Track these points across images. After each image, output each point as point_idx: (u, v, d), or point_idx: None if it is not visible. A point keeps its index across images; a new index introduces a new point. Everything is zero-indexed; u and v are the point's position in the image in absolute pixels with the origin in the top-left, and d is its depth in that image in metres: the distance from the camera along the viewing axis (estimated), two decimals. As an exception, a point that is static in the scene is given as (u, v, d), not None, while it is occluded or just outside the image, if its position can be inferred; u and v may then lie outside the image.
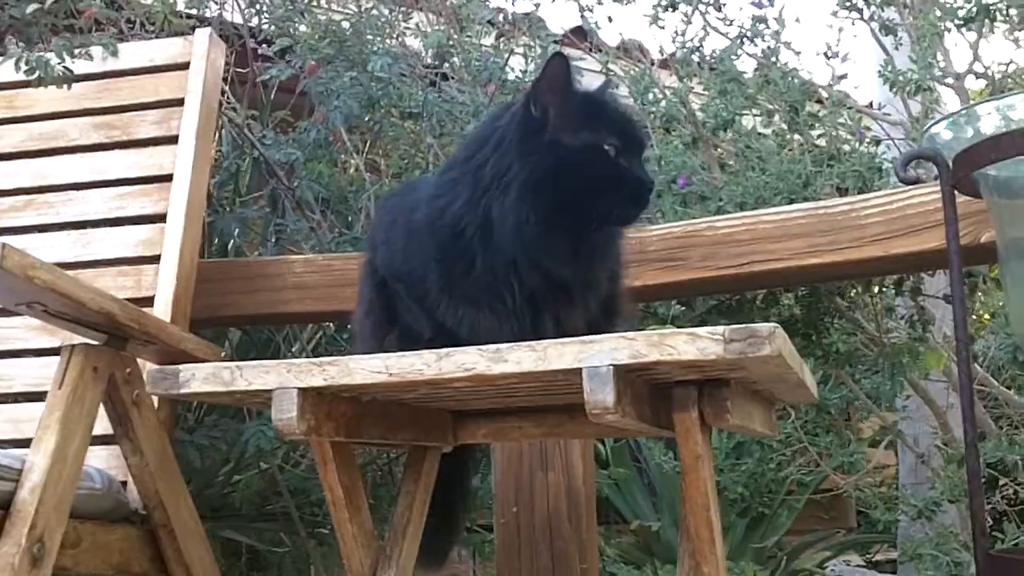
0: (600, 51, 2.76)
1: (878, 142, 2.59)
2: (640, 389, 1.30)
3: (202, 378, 1.37)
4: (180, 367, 1.37)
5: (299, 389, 1.33)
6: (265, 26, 2.66)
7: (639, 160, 1.46)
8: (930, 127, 1.77)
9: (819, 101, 2.54)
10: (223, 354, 1.99)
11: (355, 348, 1.71)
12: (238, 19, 2.76)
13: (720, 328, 1.20)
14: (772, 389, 1.56)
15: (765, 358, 1.18)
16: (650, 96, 2.46)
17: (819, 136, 2.39)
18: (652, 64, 2.76)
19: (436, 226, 1.44)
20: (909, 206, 1.96)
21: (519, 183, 1.39)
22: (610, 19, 2.72)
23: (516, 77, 2.59)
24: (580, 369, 1.22)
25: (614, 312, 1.61)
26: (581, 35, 2.92)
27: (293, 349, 2.67)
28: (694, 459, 1.37)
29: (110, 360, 1.60)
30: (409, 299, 1.52)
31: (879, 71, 2.25)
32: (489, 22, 2.60)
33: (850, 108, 2.46)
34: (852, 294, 2.42)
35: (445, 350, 1.29)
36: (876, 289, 2.42)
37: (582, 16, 2.65)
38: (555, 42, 2.96)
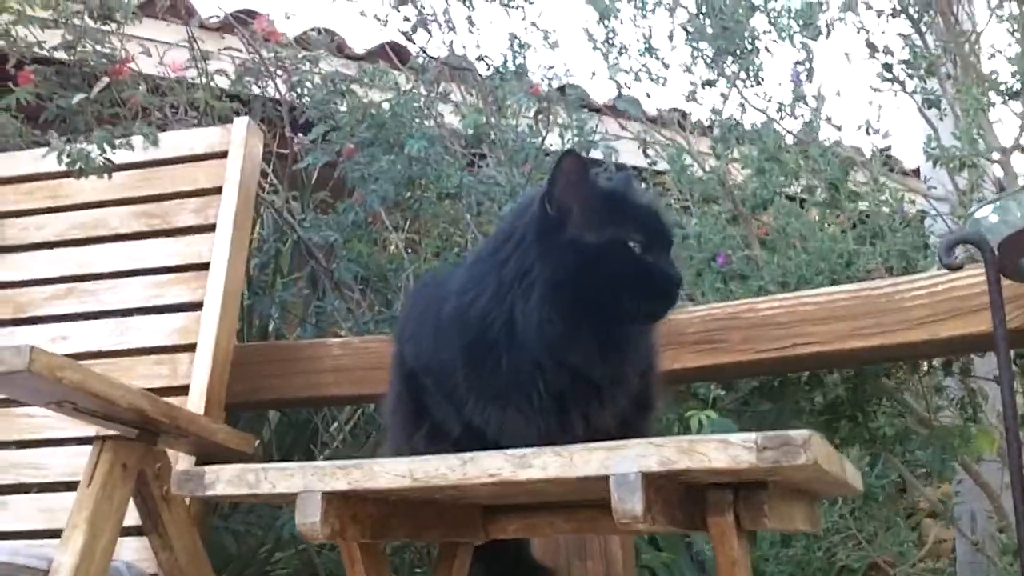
0: (638, 121, 2.76)
1: (923, 217, 2.55)
2: (671, 492, 1.26)
3: (227, 480, 1.35)
4: (205, 469, 1.35)
5: (323, 493, 1.31)
6: (306, 109, 2.68)
7: (667, 255, 1.44)
8: (975, 211, 1.73)
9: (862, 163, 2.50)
10: (257, 443, 1.98)
11: (385, 440, 1.69)
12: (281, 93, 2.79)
13: (753, 436, 1.16)
14: (813, 487, 1.51)
15: (800, 466, 1.14)
16: (688, 174, 2.43)
17: (861, 213, 2.36)
18: (691, 132, 2.75)
19: (463, 322, 1.43)
20: (955, 288, 1.91)
21: (541, 283, 1.37)
22: (648, 95, 2.71)
23: (553, 154, 2.58)
24: (607, 476, 1.19)
25: (647, 407, 1.58)
26: (617, 110, 2.92)
27: (331, 430, 2.66)
28: (730, 564, 1.32)
29: (140, 456, 1.60)
30: (438, 394, 1.50)
31: (923, 148, 2.22)
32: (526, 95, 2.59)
33: (893, 184, 2.41)
34: (899, 374, 2.36)
35: (469, 455, 1.26)
36: (924, 369, 2.36)
37: (619, 94, 2.64)
38: (592, 109, 2.98)
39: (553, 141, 2.66)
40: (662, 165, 2.70)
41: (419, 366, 1.53)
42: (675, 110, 2.95)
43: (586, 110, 2.73)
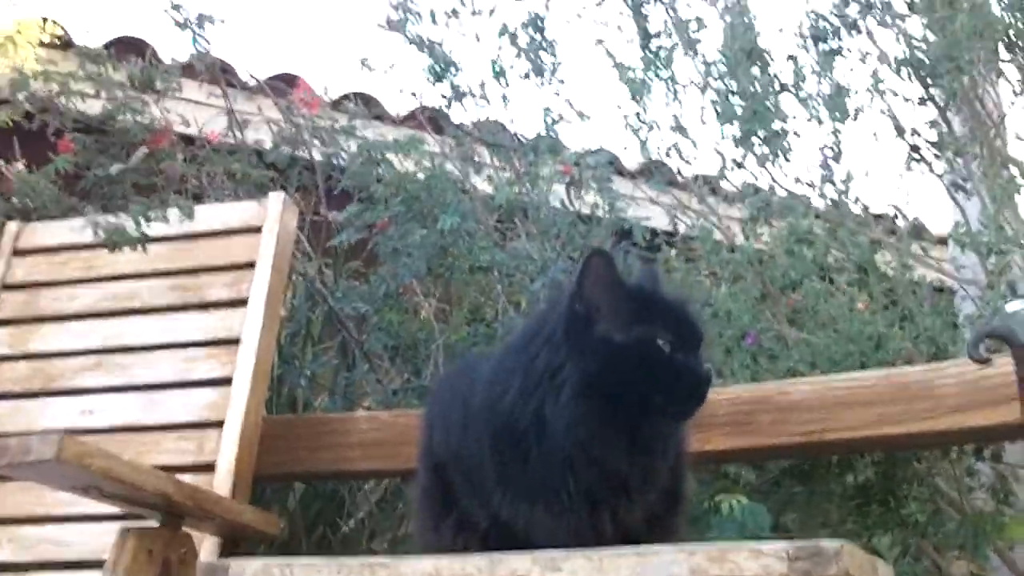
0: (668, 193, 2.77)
1: (952, 296, 2.54)
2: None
3: (252, 575, 1.35)
4: (230, 563, 1.35)
5: (350, 591, 1.30)
6: (341, 178, 2.70)
7: (696, 353, 1.43)
8: (1004, 305, 1.72)
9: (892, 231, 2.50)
10: (282, 525, 1.98)
11: (413, 524, 1.69)
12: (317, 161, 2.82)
13: (783, 545, 1.15)
14: (845, 587, 1.49)
15: (832, 576, 1.13)
16: (719, 254, 2.43)
17: (891, 294, 2.35)
18: (721, 202, 2.75)
19: (491, 415, 1.42)
20: (985, 377, 1.89)
21: (572, 382, 1.37)
22: (679, 171, 2.72)
23: (583, 227, 2.59)
24: (636, 583, 1.18)
25: (677, 501, 1.56)
26: (649, 173, 2.92)
27: (357, 501, 2.65)
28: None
29: (165, 542, 1.60)
30: (466, 485, 1.50)
31: (951, 234, 2.21)
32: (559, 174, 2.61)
33: (922, 269, 2.41)
34: (930, 458, 2.33)
35: (498, 555, 1.26)
36: (955, 453, 2.34)
37: (651, 173, 2.65)
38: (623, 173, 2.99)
39: (584, 210, 2.67)
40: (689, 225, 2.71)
41: (447, 455, 1.53)
42: (707, 181, 2.95)
43: (617, 174, 2.75)
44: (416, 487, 1.65)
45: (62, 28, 3.56)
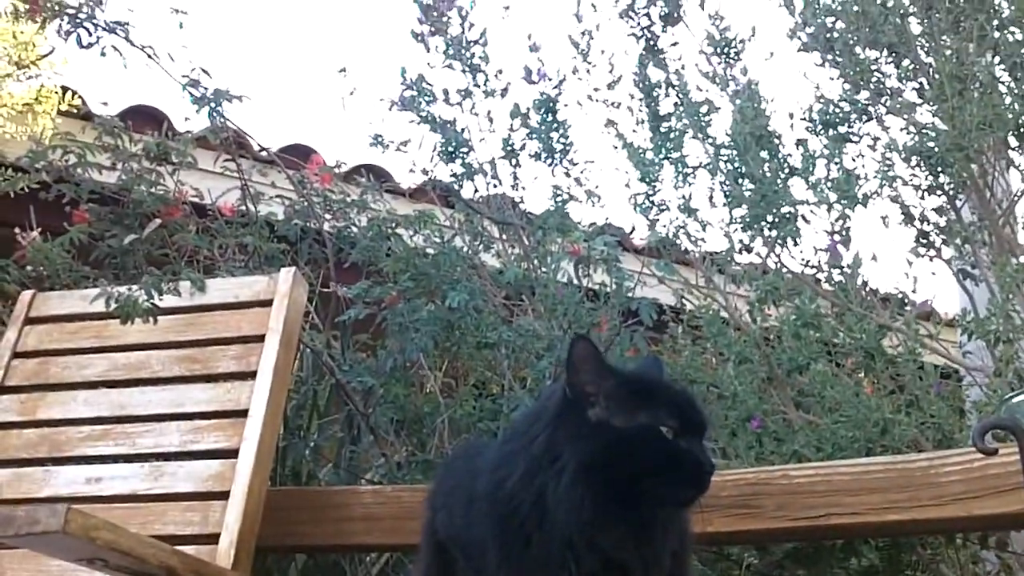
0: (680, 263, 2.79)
1: (959, 381, 2.55)
2: None
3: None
4: (231, 640, 1.36)
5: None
6: (352, 251, 2.73)
7: (699, 441, 1.45)
8: (1010, 397, 1.73)
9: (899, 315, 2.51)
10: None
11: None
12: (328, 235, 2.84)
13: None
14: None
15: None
16: (725, 337, 2.45)
17: (898, 379, 2.35)
18: (729, 283, 2.76)
19: (494, 499, 1.44)
20: (990, 466, 1.89)
21: (571, 466, 1.38)
22: (686, 251, 2.75)
23: (590, 308, 2.61)
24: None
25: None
26: (657, 252, 2.94)
27: (358, 574, 2.64)
28: None
29: (167, 615, 1.60)
30: (468, 567, 1.50)
31: (958, 321, 2.22)
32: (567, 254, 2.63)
33: (929, 357, 2.42)
34: (935, 544, 2.32)
35: (498, 639, 1.26)
36: (960, 541, 2.33)
37: (659, 246, 2.68)
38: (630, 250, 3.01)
39: (592, 287, 2.69)
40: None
41: (450, 538, 1.54)
42: (714, 261, 2.97)
43: (624, 252, 2.78)
44: (418, 565, 1.65)
45: (80, 98, 3.63)
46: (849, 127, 2.58)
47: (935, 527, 2.00)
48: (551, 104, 2.75)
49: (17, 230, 2.84)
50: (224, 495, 2.04)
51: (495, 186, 2.77)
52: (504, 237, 2.85)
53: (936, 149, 2.35)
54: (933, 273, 2.63)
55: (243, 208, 2.83)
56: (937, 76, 2.40)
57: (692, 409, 1.46)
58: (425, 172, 2.78)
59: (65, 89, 3.64)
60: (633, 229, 2.86)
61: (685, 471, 1.42)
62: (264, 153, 3.15)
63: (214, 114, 2.57)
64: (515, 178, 2.77)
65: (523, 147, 2.74)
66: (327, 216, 2.84)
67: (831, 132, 2.61)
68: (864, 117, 2.66)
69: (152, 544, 1.55)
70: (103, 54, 2.60)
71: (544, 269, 2.61)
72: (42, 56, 3.60)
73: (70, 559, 1.56)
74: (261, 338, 2.24)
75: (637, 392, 1.45)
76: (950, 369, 2.66)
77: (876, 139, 2.57)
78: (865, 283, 2.51)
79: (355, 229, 2.80)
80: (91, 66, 4.11)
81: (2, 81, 3.63)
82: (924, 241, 2.58)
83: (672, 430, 1.42)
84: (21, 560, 2.05)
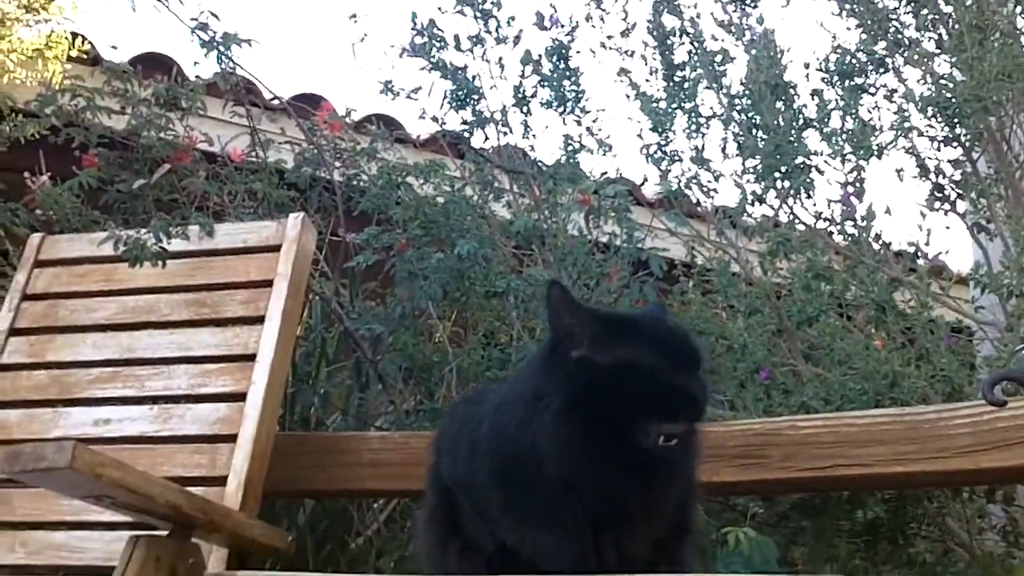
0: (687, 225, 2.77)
1: (970, 337, 2.53)
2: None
3: (256, 590, 1.36)
4: (236, 575, 1.36)
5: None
6: (361, 200, 2.72)
7: (691, 374, 1.43)
8: (1020, 350, 1.72)
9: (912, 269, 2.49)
10: (291, 539, 1.99)
11: (418, 548, 1.69)
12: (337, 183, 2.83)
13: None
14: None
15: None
16: (735, 287, 2.43)
17: (908, 333, 2.34)
18: (741, 235, 2.74)
19: (496, 444, 1.44)
20: (1000, 419, 1.88)
21: (555, 406, 1.39)
22: (699, 203, 2.73)
23: (600, 259, 2.59)
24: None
25: (685, 531, 1.56)
26: (668, 204, 2.93)
27: (366, 520, 2.65)
28: None
29: (173, 551, 1.61)
30: (472, 511, 1.50)
31: (970, 275, 2.21)
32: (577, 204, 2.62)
33: (940, 310, 2.40)
34: (942, 498, 2.32)
35: (500, 578, 1.27)
36: (966, 495, 2.32)
37: (671, 205, 2.65)
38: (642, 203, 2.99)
39: (603, 239, 2.67)
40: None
41: (454, 482, 1.54)
42: (727, 214, 2.95)
43: (636, 204, 2.75)
44: (424, 510, 1.66)
45: (90, 44, 3.61)
46: (865, 78, 2.54)
47: (942, 479, 2.00)
48: (563, 51, 2.71)
49: (27, 175, 2.84)
50: (232, 438, 2.05)
51: (505, 134, 2.74)
52: (515, 188, 2.83)
53: (953, 100, 2.31)
54: (947, 227, 2.60)
55: (253, 156, 2.82)
56: (957, 26, 2.36)
57: (681, 343, 1.46)
58: (435, 119, 2.76)
59: (75, 35, 3.62)
60: (644, 180, 2.83)
61: (671, 403, 1.40)
62: (275, 101, 3.14)
63: (222, 58, 2.55)
64: (526, 127, 2.74)
65: (534, 95, 2.71)
66: (337, 164, 2.83)
67: (847, 83, 2.57)
68: (881, 69, 2.62)
69: (158, 483, 1.56)
70: (112, -3, 2.59)
71: (553, 219, 2.59)
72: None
73: (77, 496, 1.57)
74: (269, 283, 2.24)
75: (621, 329, 1.45)
76: (962, 325, 2.64)
77: (893, 91, 2.53)
78: (878, 236, 2.49)
79: (365, 177, 2.79)
80: (101, 12, 4.08)
81: (12, 26, 3.61)
82: (939, 195, 2.55)
83: (656, 364, 1.40)
84: (31, 499, 2.08)
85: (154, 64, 3.43)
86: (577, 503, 1.38)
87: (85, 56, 3.56)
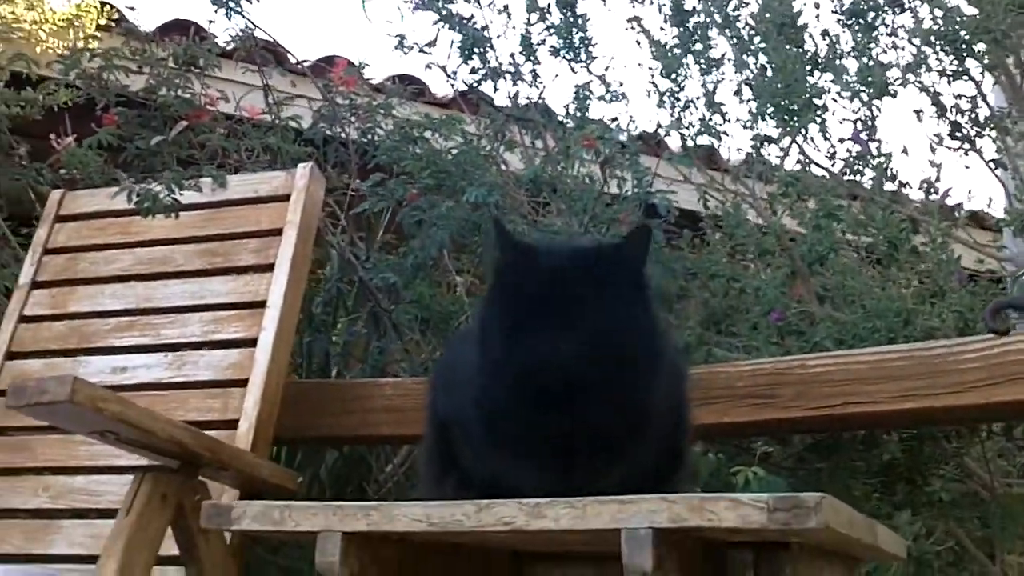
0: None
1: (999, 279, 2.51)
2: (689, 550, 1.26)
3: (252, 516, 1.38)
4: (233, 504, 1.39)
5: (343, 533, 1.33)
6: (376, 155, 2.74)
7: (551, 333, 1.33)
8: (1021, 274, 1.70)
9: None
10: (300, 479, 2.02)
11: (418, 482, 1.71)
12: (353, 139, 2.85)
13: (764, 496, 1.16)
14: (844, 551, 1.48)
15: (812, 529, 1.13)
16: (744, 227, 2.42)
17: (922, 272, 2.32)
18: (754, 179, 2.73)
19: (476, 373, 1.44)
20: (1010, 352, 1.86)
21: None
22: (711, 147, 2.72)
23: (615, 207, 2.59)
24: (619, 530, 1.19)
25: (678, 460, 1.57)
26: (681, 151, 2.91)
27: (387, 469, 2.69)
28: (752, 626, 1.31)
29: (179, 487, 1.65)
30: (464, 444, 1.52)
31: (986, 215, 2.18)
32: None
33: (955, 244, 2.38)
34: (960, 437, 2.30)
35: (485, 501, 1.28)
36: (984, 433, 2.30)
37: (683, 146, 2.65)
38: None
39: (614, 190, 2.67)
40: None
41: (448, 416, 1.55)
42: (742, 162, 2.94)
43: (647, 154, 2.75)
44: (422, 446, 1.68)
45: (118, 11, 3.65)
46: (876, 16, 2.51)
47: (954, 415, 1.99)
48: None
49: (52, 136, 2.90)
50: (243, 383, 2.09)
51: (515, 83, 2.74)
52: (526, 139, 2.83)
53: (962, 32, 2.28)
54: (967, 167, 2.57)
55: (268, 114, 2.84)
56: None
57: (556, 295, 1.36)
58: (443, 68, 2.77)
59: (103, 3, 3.66)
60: (658, 127, 2.82)
61: (503, 375, 1.37)
62: (295, 62, 3.16)
63: (231, 13, 2.57)
64: (535, 76, 2.74)
65: (542, 42, 2.70)
66: (352, 119, 2.85)
67: (860, 22, 2.54)
68: (896, 8, 2.59)
69: (161, 419, 1.59)
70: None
71: (562, 165, 2.60)
72: (79, -33, 3.62)
73: (82, 431, 1.61)
74: (279, 231, 2.27)
75: (509, 273, 1.40)
76: (978, 272, 2.61)
77: (899, 26, 2.50)
78: (894, 176, 2.47)
79: (380, 132, 2.81)
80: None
81: (43, -2, 3.66)
82: (958, 134, 2.52)
83: (511, 318, 1.36)
84: (52, 445, 2.14)
85: (181, 30, 3.46)
86: (552, 429, 1.38)
87: (113, 23, 3.61)
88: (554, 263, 1.39)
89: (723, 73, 2.68)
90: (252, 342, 2.14)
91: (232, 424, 2.03)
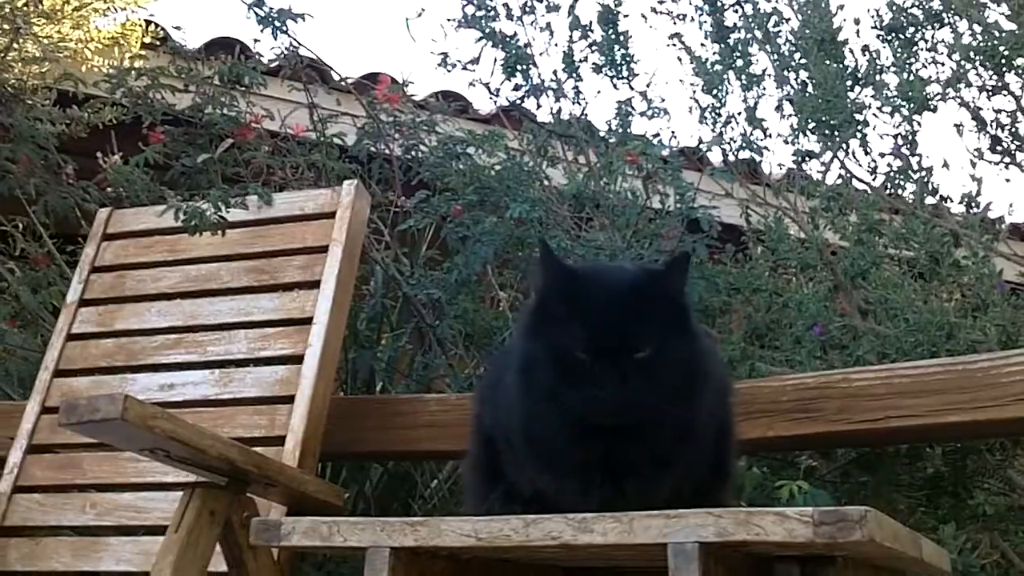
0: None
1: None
2: (735, 563, 1.26)
3: (302, 532, 1.40)
4: (282, 520, 1.41)
5: (391, 548, 1.34)
6: (420, 171, 2.77)
7: (612, 363, 1.34)
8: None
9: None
10: (347, 495, 2.04)
11: (464, 496, 1.72)
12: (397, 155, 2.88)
13: (809, 510, 1.16)
14: (888, 564, 1.48)
15: (857, 543, 1.14)
16: (786, 243, 2.43)
17: (964, 286, 2.31)
18: (796, 193, 2.73)
19: (518, 388, 1.45)
20: (1054, 365, 1.85)
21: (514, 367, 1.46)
22: (752, 162, 2.72)
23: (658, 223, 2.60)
24: (665, 544, 1.20)
25: (723, 477, 1.57)
26: (723, 166, 2.91)
27: (432, 484, 2.71)
28: (796, 642, 1.31)
29: (228, 503, 1.67)
30: (510, 458, 1.53)
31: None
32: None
33: (997, 257, 2.37)
34: (1004, 450, 2.29)
35: (532, 516, 1.29)
36: (1029, 446, 2.29)
37: (724, 162, 2.66)
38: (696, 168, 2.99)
39: (659, 204, 2.68)
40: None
41: (494, 430, 1.56)
42: (784, 177, 2.94)
43: (689, 169, 2.76)
44: (468, 458, 1.69)
45: (163, 30, 3.71)
46: (916, 31, 2.51)
47: (997, 428, 1.98)
48: (612, 16, 2.72)
49: (99, 155, 2.95)
50: (289, 399, 2.11)
51: (558, 100, 2.77)
52: (569, 154, 2.85)
53: (1001, 48, 2.27)
54: (1007, 180, 2.56)
55: (313, 132, 2.87)
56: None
57: (605, 327, 1.36)
58: (487, 85, 2.79)
59: (148, 22, 3.72)
60: (699, 142, 2.83)
61: (568, 399, 1.36)
62: (336, 77, 3.19)
63: (277, 32, 2.60)
64: (577, 92, 2.76)
65: (584, 59, 2.72)
66: (396, 136, 2.88)
67: (899, 38, 2.54)
68: (936, 23, 2.59)
69: (210, 436, 1.61)
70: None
71: (604, 181, 2.61)
72: (122, -17, 3.67)
73: (133, 448, 1.64)
74: (325, 248, 2.30)
75: (561, 303, 1.40)
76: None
77: (939, 41, 2.50)
78: (935, 189, 2.46)
79: (424, 149, 2.84)
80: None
81: (89, 15, 3.72)
82: (998, 148, 2.51)
83: (567, 355, 1.36)
84: (100, 462, 2.17)
85: (225, 48, 3.51)
86: (594, 444, 1.39)
87: (158, 42, 3.66)
88: (601, 294, 1.40)
89: (764, 89, 2.69)
90: (298, 358, 2.16)
91: (279, 440, 2.05)
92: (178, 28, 3.29)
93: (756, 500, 2.17)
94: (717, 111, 2.72)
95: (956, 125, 2.56)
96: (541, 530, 1.28)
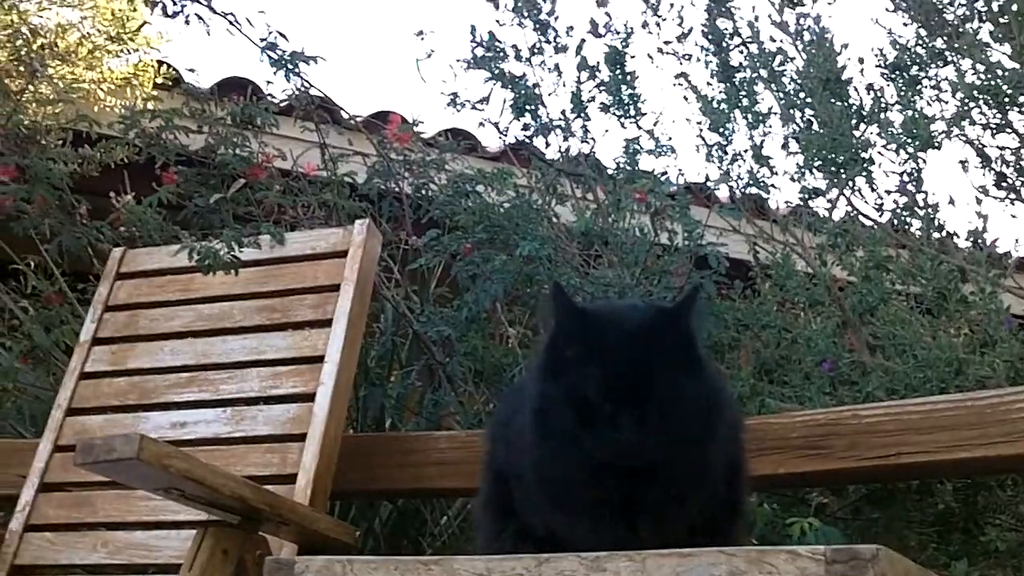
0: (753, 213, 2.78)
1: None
2: (749, 601, 1.27)
3: (315, 571, 1.41)
4: (296, 559, 1.41)
5: (405, 587, 1.35)
6: (430, 209, 2.79)
7: (629, 410, 1.34)
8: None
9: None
10: (358, 533, 2.04)
11: (476, 534, 1.73)
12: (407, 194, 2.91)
13: (821, 548, 1.17)
14: (901, 601, 1.48)
15: (869, 581, 1.14)
16: (794, 280, 2.44)
17: (971, 322, 2.32)
18: (803, 229, 2.74)
19: (532, 428, 1.46)
20: (1063, 400, 1.86)
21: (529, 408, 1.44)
22: (759, 199, 2.74)
23: (666, 259, 2.62)
24: (678, 582, 1.20)
25: (735, 513, 1.57)
26: (730, 203, 2.93)
27: (442, 521, 2.71)
28: None
29: (241, 542, 1.68)
30: (522, 495, 1.54)
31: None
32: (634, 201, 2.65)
33: (1005, 294, 2.38)
34: (1016, 485, 2.29)
35: (545, 555, 1.29)
36: (1041, 482, 2.29)
37: (731, 199, 2.68)
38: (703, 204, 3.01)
39: (666, 240, 2.70)
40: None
41: (505, 468, 1.57)
42: (791, 210, 2.96)
43: (697, 205, 2.78)
44: (480, 496, 1.70)
45: (175, 70, 3.76)
46: (919, 70, 2.53)
47: (1007, 464, 1.99)
48: (619, 57, 2.75)
49: (112, 195, 2.98)
50: (301, 437, 2.12)
51: (566, 139, 2.79)
52: (577, 192, 2.87)
53: (1004, 88, 2.30)
54: (1013, 216, 2.57)
55: (324, 171, 2.90)
56: (1005, 16, 2.35)
57: (620, 368, 1.36)
58: (497, 126, 2.82)
59: (160, 63, 3.76)
60: (706, 179, 2.85)
61: (585, 442, 1.36)
62: (345, 115, 3.23)
63: (290, 75, 2.64)
64: (585, 131, 2.79)
65: (592, 99, 2.75)
66: (406, 175, 2.90)
67: (903, 76, 2.57)
68: (939, 61, 2.61)
69: (224, 474, 1.63)
70: (187, 22, 2.70)
71: (612, 218, 2.63)
72: (136, 29, 3.72)
73: (148, 488, 1.65)
74: (337, 287, 2.31)
75: (574, 343, 1.40)
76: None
77: (943, 79, 2.52)
78: (941, 226, 2.48)
79: (434, 187, 2.86)
80: (185, 40, 4.24)
81: (102, 56, 3.76)
82: (1003, 184, 2.53)
83: (584, 402, 1.36)
84: (112, 500, 2.18)
85: (237, 88, 3.56)
86: (611, 484, 1.39)
87: (170, 83, 3.71)
88: (615, 335, 1.40)
89: (770, 127, 2.72)
90: (310, 397, 2.17)
91: (290, 479, 2.06)
92: (192, 71, 3.33)
93: (767, 537, 2.17)
94: (724, 149, 2.74)
95: (961, 162, 2.58)
96: (554, 568, 1.28)
